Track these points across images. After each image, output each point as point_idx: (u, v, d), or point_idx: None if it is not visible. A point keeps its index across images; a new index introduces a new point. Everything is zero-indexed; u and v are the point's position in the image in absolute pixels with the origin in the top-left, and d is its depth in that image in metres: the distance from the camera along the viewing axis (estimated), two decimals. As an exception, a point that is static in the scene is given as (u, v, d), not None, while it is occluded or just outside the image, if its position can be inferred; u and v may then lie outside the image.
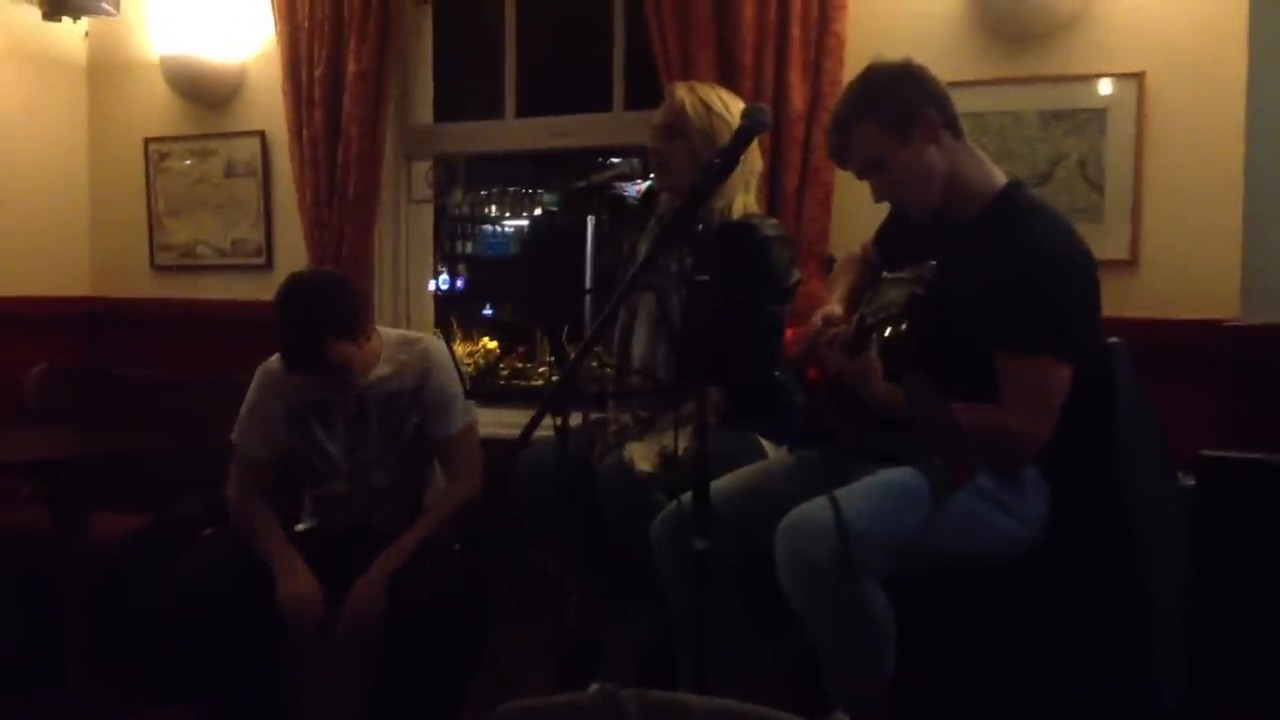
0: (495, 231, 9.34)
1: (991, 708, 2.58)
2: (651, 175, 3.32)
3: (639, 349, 3.20)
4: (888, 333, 2.15)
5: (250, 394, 3.20)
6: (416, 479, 3.19)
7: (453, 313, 4.92)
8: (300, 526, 3.27)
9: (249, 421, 3.20)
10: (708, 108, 3.10)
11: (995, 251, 2.40)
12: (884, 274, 2.36)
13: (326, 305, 3.00)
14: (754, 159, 3.14)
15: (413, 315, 4.59)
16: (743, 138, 2.33)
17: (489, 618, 3.02)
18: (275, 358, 3.17)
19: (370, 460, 3.16)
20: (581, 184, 3.24)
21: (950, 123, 2.52)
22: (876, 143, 2.51)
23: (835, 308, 2.63)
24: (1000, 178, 2.55)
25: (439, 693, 2.89)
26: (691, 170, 2.99)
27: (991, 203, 2.52)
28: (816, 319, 2.57)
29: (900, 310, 2.14)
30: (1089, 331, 2.46)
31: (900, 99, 2.49)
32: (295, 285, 3.08)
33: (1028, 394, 2.36)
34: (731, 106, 3.12)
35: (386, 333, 3.22)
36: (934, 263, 2.16)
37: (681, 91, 3.16)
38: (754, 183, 3.18)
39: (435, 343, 3.28)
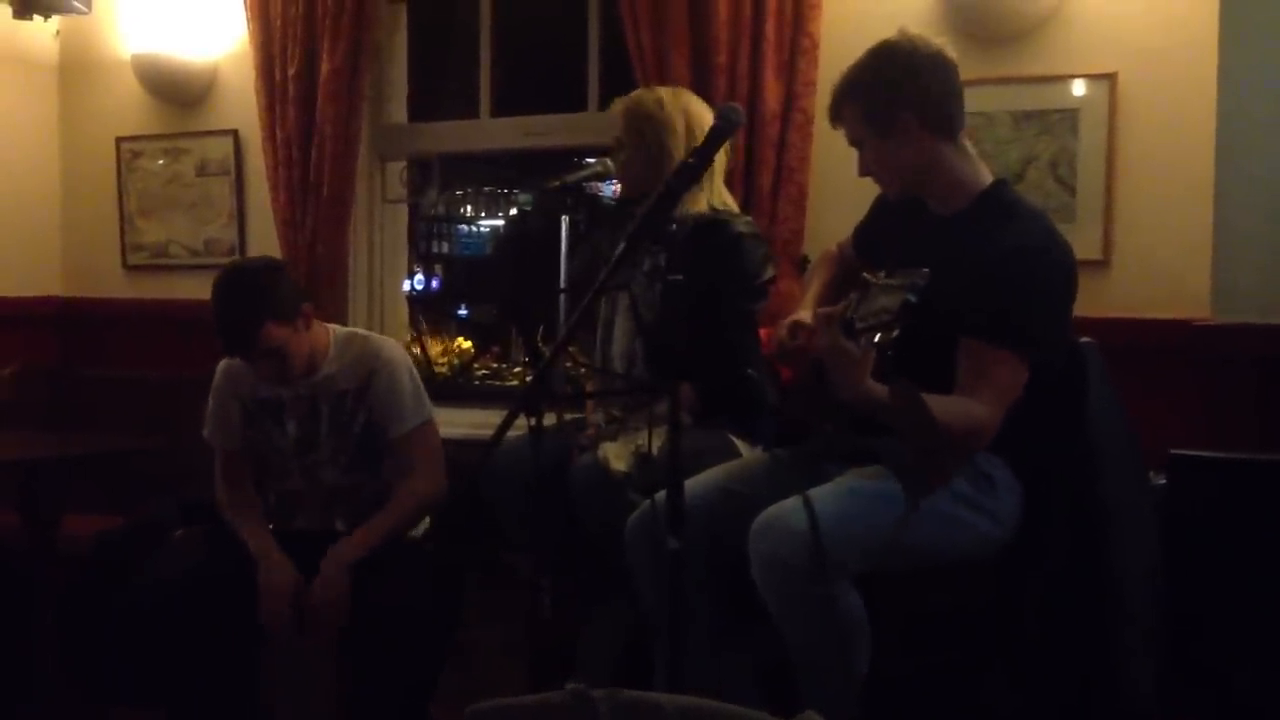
0: (470, 231, 9.32)
1: (964, 706, 2.59)
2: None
3: (618, 347, 3.20)
4: (877, 339, 2.14)
5: (212, 390, 3.25)
6: (374, 480, 3.18)
7: (427, 313, 4.91)
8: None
9: (213, 417, 3.25)
10: (645, 115, 3.12)
11: (974, 247, 2.41)
12: (869, 277, 2.34)
13: (258, 288, 3.02)
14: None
15: (386, 316, 4.58)
16: (716, 138, 2.33)
17: (458, 615, 3.01)
18: None
19: (321, 459, 3.15)
20: (555, 183, 3.24)
21: (936, 123, 2.50)
22: (858, 128, 2.56)
23: (804, 314, 2.62)
24: (987, 176, 2.56)
25: (405, 689, 2.88)
26: (652, 173, 3.01)
27: (975, 201, 2.53)
28: (781, 330, 2.58)
29: (893, 318, 2.12)
30: (1057, 331, 2.47)
31: (886, 98, 2.49)
32: (229, 270, 3.12)
33: (995, 385, 2.35)
34: (668, 101, 3.13)
35: (336, 330, 3.22)
36: (926, 270, 2.16)
37: (617, 108, 3.19)
38: (719, 173, 3.16)
39: (386, 341, 3.28)
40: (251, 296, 3.00)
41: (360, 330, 3.42)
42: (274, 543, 3.05)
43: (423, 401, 3.17)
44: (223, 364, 3.22)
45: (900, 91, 2.49)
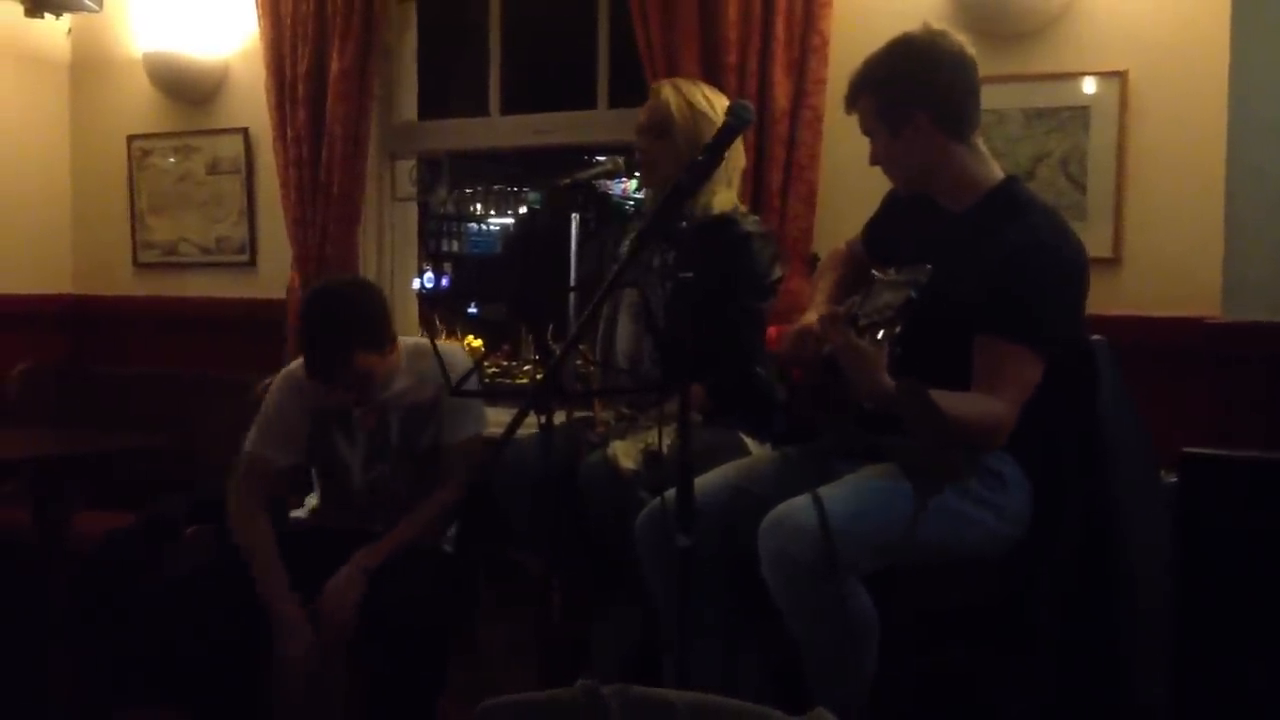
0: (480, 229, 9.35)
1: (974, 705, 2.59)
2: (636, 174, 3.32)
3: (623, 345, 3.20)
4: (880, 335, 2.14)
5: (271, 401, 3.15)
6: (423, 486, 3.16)
7: (437, 310, 4.92)
8: (297, 513, 3.24)
9: (270, 429, 3.13)
10: (692, 107, 3.11)
11: (985, 244, 2.41)
12: (877, 274, 2.34)
13: (353, 315, 2.97)
14: (737, 155, 3.14)
15: (397, 314, 4.57)
16: (727, 135, 2.33)
17: (470, 613, 3.00)
18: (297, 364, 3.11)
19: (386, 472, 3.12)
20: (565, 181, 3.24)
21: (950, 123, 2.49)
22: (869, 121, 2.56)
23: (811, 317, 2.62)
24: (997, 173, 2.56)
25: (414, 686, 2.88)
26: (676, 169, 2.99)
27: (984, 197, 2.52)
28: (785, 343, 2.57)
29: (895, 313, 2.13)
30: (1071, 327, 2.47)
31: (901, 94, 2.49)
32: (322, 294, 3.05)
33: (1011, 381, 2.35)
34: (716, 104, 3.12)
35: (405, 342, 3.18)
36: (929, 266, 2.16)
37: (666, 91, 3.16)
38: (736, 179, 3.18)
39: (453, 347, 3.25)
40: (342, 323, 2.95)
41: (426, 341, 3.39)
42: (292, 599, 2.91)
43: (483, 414, 3.13)
44: (286, 372, 3.16)
45: (917, 87, 2.49)
